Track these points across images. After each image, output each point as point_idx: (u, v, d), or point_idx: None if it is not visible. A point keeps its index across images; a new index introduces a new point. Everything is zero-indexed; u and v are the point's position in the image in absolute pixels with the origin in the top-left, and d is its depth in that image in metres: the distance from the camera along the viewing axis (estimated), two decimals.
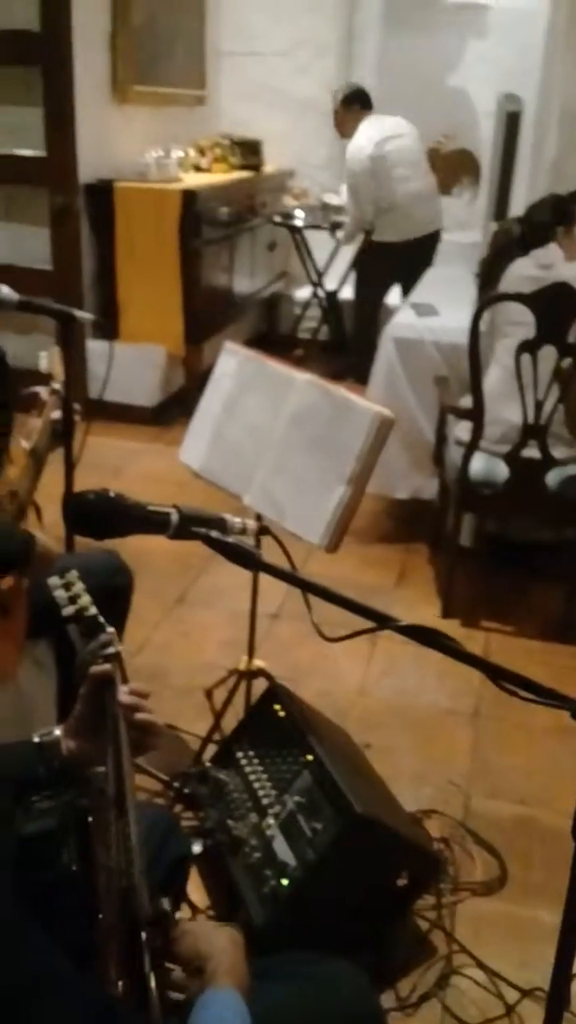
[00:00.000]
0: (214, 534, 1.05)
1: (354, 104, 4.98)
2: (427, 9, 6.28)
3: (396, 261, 4.99)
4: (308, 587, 1.04)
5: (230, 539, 1.05)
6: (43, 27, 4.09)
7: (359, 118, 4.95)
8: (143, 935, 0.88)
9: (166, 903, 0.95)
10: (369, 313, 5.12)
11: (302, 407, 1.91)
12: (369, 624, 1.00)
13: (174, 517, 1.05)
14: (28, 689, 1.85)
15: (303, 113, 5.98)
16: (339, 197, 5.41)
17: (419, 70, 6.28)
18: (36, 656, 1.92)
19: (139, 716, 1.11)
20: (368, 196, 4.91)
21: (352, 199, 5.01)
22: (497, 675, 0.93)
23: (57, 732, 1.12)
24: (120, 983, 0.86)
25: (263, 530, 1.19)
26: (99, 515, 1.06)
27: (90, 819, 0.93)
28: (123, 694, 1.13)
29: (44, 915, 0.75)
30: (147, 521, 1.05)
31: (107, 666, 1.13)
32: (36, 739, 1.11)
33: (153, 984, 0.85)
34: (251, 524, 1.17)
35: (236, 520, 1.13)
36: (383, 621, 0.98)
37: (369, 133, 4.88)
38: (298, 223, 5.50)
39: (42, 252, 4.48)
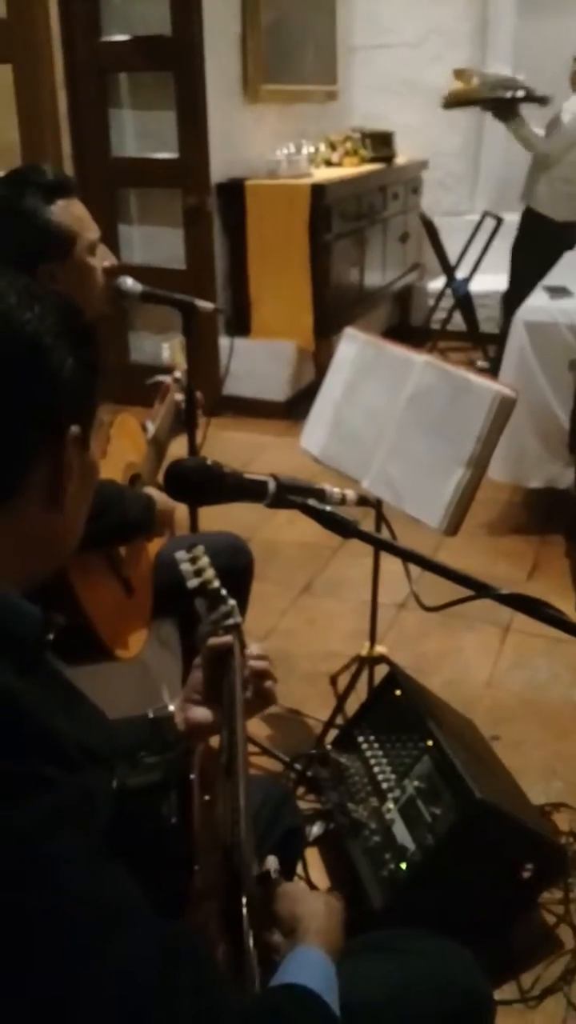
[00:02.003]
0: (311, 502, 1.06)
1: None
2: None
3: (551, 242, 4.81)
4: (406, 555, 1.03)
5: (327, 508, 1.05)
6: (175, 32, 4.20)
7: None
8: (243, 892, 0.89)
9: (272, 862, 0.97)
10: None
11: (421, 389, 1.90)
12: (468, 592, 0.98)
13: (271, 485, 1.07)
14: (154, 667, 1.91)
15: (437, 103, 5.91)
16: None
17: (557, 52, 6.08)
18: (162, 635, 1.98)
19: (256, 664, 1.14)
20: (560, 145, 4.64)
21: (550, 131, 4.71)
22: None
23: (171, 707, 1.16)
24: (220, 938, 0.89)
25: (362, 500, 1.19)
26: (196, 481, 1.09)
27: (192, 776, 0.96)
28: (251, 648, 1.17)
29: (141, 865, 0.78)
30: (244, 489, 1.07)
31: (227, 637, 1.17)
32: (150, 714, 1.15)
33: (251, 941, 0.87)
34: (351, 494, 1.17)
35: (335, 490, 1.14)
36: (481, 590, 0.96)
37: None
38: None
39: (176, 252, 4.61)
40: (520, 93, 4.75)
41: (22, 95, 3.65)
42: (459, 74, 5.02)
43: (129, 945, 0.68)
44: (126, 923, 0.69)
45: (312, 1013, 0.79)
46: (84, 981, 0.65)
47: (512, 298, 4.93)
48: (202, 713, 1.16)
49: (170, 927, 0.74)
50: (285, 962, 0.85)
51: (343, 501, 1.15)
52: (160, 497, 1.81)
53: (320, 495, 1.10)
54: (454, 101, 4.95)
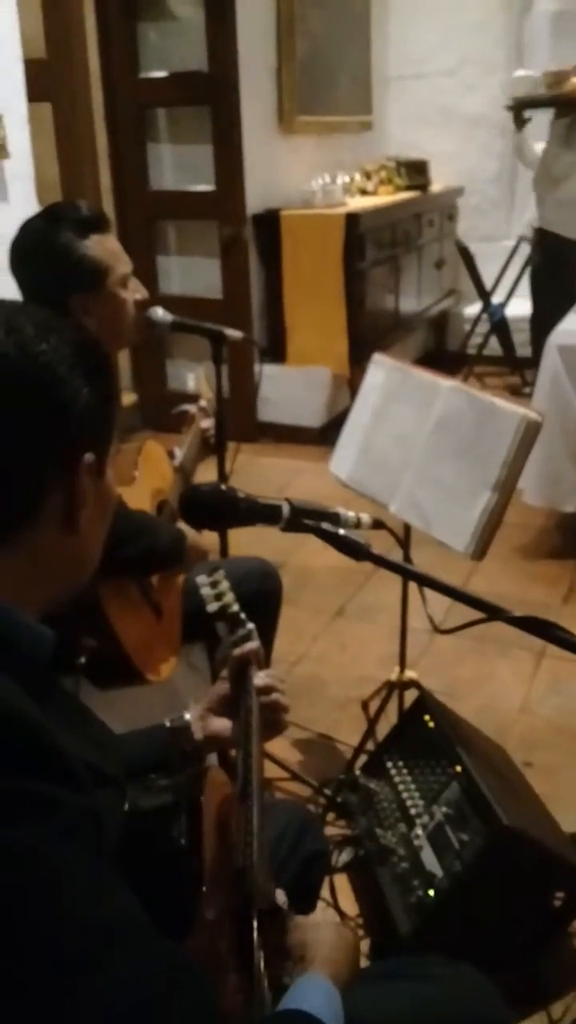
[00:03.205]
0: (325, 526, 1.07)
1: None
2: None
3: (567, 261, 4.79)
4: (419, 578, 1.04)
5: (340, 531, 1.07)
6: (211, 67, 4.29)
7: None
8: (254, 915, 0.90)
9: (281, 896, 0.97)
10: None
11: (447, 414, 1.91)
12: (480, 615, 0.99)
13: (285, 509, 1.08)
14: (183, 690, 1.93)
15: (472, 130, 5.97)
16: None
17: None
18: (191, 659, 2.00)
19: (273, 696, 1.17)
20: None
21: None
22: None
23: (187, 717, 1.19)
24: (230, 959, 0.89)
25: (378, 523, 1.20)
26: (212, 506, 1.11)
27: (201, 798, 0.97)
28: (259, 678, 1.20)
29: (150, 885, 0.79)
30: (258, 513, 1.09)
31: (252, 644, 1.20)
32: (167, 723, 1.17)
33: (261, 963, 0.88)
34: (366, 518, 1.19)
35: (350, 514, 1.16)
36: (494, 612, 0.97)
37: None
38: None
39: (213, 281, 4.67)
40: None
41: (62, 132, 3.73)
42: (557, 76, 4.73)
43: (127, 966, 0.68)
44: (126, 943, 0.70)
45: None
46: (81, 1000, 0.65)
47: (538, 321, 4.92)
48: (221, 724, 1.19)
49: (171, 949, 0.74)
50: (291, 989, 0.86)
51: (358, 524, 1.16)
52: (192, 533, 1.84)
53: (335, 519, 1.11)
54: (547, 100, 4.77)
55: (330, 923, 0.98)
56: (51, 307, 0.90)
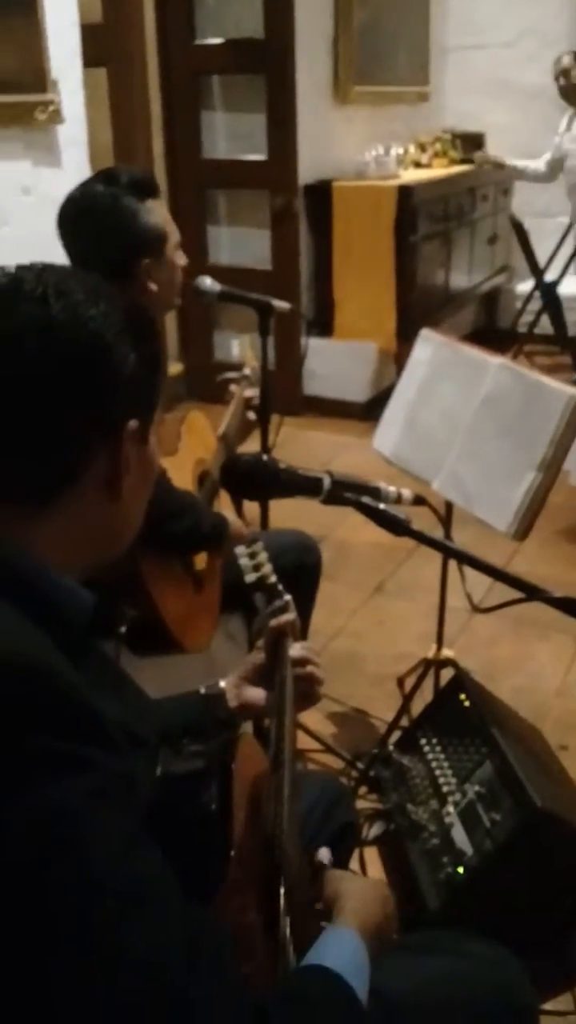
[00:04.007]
0: (365, 500, 1.07)
1: None
2: None
3: None
4: (459, 556, 1.03)
5: (380, 506, 1.06)
6: (267, 34, 4.24)
7: None
8: (282, 881, 0.91)
9: (325, 853, 0.98)
10: None
11: (495, 391, 1.88)
12: (519, 595, 0.98)
13: (326, 482, 1.08)
14: (221, 660, 1.94)
15: (530, 103, 5.83)
16: None
17: None
18: (229, 629, 2.01)
19: (308, 668, 1.18)
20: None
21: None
22: None
23: (222, 684, 1.20)
24: (257, 926, 0.91)
25: (419, 499, 1.20)
26: (253, 477, 1.11)
27: (233, 766, 0.98)
28: (295, 649, 1.21)
29: (178, 849, 0.80)
30: (298, 484, 1.09)
31: (289, 616, 1.20)
32: (202, 690, 1.19)
33: (288, 929, 0.88)
34: (407, 493, 1.18)
35: (391, 489, 1.15)
36: (533, 592, 0.96)
37: None
38: None
39: (263, 252, 4.65)
40: None
41: (116, 97, 3.73)
42: None
43: (153, 928, 0.69)
44: (153, 906, 0.70)
45: (331, 996, 0.79)
46: (105, 961, 0.66)
47: None
48: (255, 693, 1.20)
49: (197, 914, 0.75)
50: (317, 942, 0.86)
51: (399, 499, 1.16)
52: (236, 522, 1.84)
53: (375, 493, 1.11)
54: None
55: (363, 877, 0.99)
56: (103, 273, 0.90)
